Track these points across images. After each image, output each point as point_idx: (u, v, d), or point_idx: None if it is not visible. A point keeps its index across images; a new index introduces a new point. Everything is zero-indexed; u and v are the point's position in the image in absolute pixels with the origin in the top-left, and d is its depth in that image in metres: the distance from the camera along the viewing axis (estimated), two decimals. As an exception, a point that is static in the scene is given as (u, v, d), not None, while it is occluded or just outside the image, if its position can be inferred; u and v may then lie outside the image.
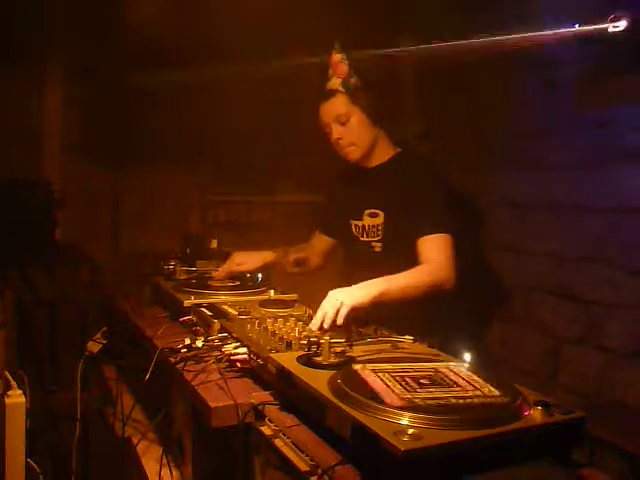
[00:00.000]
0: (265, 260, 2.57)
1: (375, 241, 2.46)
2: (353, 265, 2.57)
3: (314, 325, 1.78)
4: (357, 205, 2.51)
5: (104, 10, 3.45)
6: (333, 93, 2.34)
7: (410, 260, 2.23)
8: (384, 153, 2.47)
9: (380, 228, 2.44)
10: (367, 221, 2.48)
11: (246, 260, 2.53)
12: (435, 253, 2.23)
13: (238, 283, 2.42)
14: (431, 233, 2.25)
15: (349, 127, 2.35)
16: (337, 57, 2.32)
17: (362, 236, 2.50)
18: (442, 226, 2.28)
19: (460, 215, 2.44)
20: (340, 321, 1.79)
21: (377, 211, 2.44)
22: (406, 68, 3.94)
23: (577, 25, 2.61)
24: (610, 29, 2.48)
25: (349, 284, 2.15)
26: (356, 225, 2.53)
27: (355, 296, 1.88)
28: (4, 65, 3.27)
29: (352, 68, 2.32)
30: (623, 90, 2.61)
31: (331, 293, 1.86)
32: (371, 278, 2.08)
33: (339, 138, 2.37)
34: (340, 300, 1.82)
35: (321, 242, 2.77)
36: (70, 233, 3.42)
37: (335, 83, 2.34)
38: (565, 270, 2.90)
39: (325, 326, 1.77)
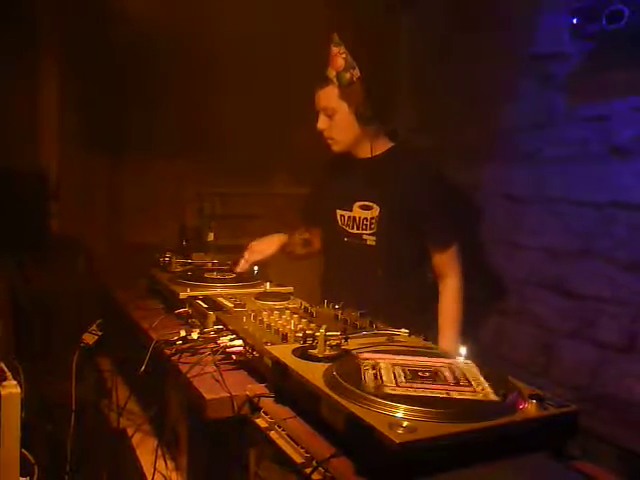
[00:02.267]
0: (280, 242, 2.59)
1: (367, 234, 2.44)
2: (339, 257, 2.55)
3: None
4: (346, 195, 2.50)
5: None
6: (327, 82, 2.35)
7: (404, 255, 2.40)
8: (376, 146, 2.44)
9: (374, 221, 2.41)
10: (358, 213, 2.45)
11: (264, 247, 2.55)
12: (452, 266, 2.43)
13: (234, 275, 2.42)
14: (447, 247, 2.42)
15: (333, 122, 2.38)
16: (334, 50, 2.31)
17: (352, 228, 2.48)
18: (454, 236, 2.44)
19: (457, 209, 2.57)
20: None
21: (371, 204, 2.42)
22: (401, 62, 3.94)
23: (574, 19, 2.61)
24: (607, 24, 2.48)
25: (334, 277, 2.53)
26: (342, 216, 2.51)
27: None
28: (-1, 55, 3.25)
29: (350, 61, 2.30)
30: (618, 85, 2.61)
31: None
32: (361, 272, 2.39)
33: (321, 129, 2.41)
34: None
35: (311, 231, 2.73)
36: (66, 224, 3.41)
37: (330, 73, 2.34)
38: (559, 264, 2.91)
39: None
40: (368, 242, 2.44)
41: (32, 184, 3.08)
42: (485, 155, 3.35)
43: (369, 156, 2.45)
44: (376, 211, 2.41)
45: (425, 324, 2.33)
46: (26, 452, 1.52)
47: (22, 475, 1.47)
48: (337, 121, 2.38)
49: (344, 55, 2.29)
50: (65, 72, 3.52)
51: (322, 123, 2.40)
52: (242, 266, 2.50)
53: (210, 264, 2.63)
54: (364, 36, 3.59)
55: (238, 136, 3.65)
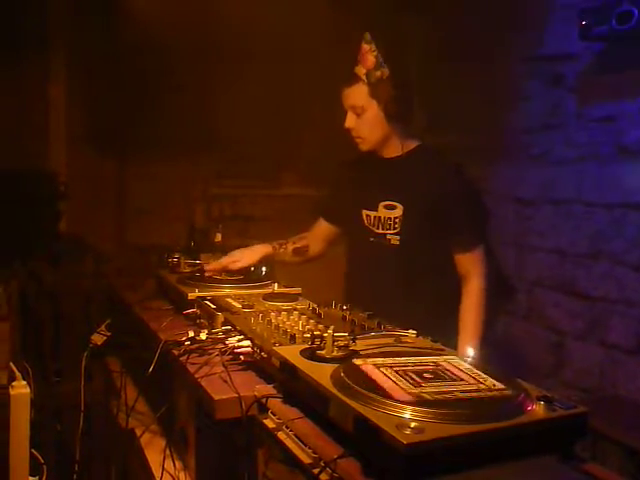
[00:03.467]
0: (261, 254, 2.50)
1: (391, 234, 2.43)
2: (363, 257, 2.54)
3: None
4: (371, 195, 2.48)
5: (107, 1, 3.45)
6: (356, 80, 2.33)
7: (427, 255, 2.37)
8: (402, 145, 2.42)
9: (398, 221, 2.41)
10: (383, 213, 2.45)
11: (241, 257, 2.46)
12: (476, 267, 2.39)
13: (242, 277, 2.42)
14: (472, 248, 2.39)
15: (362, 120, 2.35)
16: (365, 47, 2.29)
17: (377, 228, 2.47)
18: (479, 238, 2.41)
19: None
20: None
21: (395, 203, 2.41)
22: (411, 63, 3.94)
23: (584, 20, 2.60)
24: (616, 24, 2.47)
25: (359, 277, 2.50)
26: (368, 215, 2.49)
27: None
28: (9, 57, 3.27)
29: (380, 60, 2.28)
30: (627, 85, 2.60)
31: None
32: (386, 271, 2.39)
33: (349, 128, 2.38)
34: None
35: (324, 229, 2.70)
36: (75, 225, 3.42)
37: (360, 71, 2.32)
38: (569, 266, 2.90)
39: None
40: (392, 242, 2.43)
41: (41, 185, 3.08)
42: (495, 156, 3.34)
43: (395, 155, 2.44)
44: (400, 211, 2.40)
45: (449, 327, 2.33)
46: (35, 452, 1.53)
47: (31, 474, 1.47)
48: (366, 119, 2.35)
49: (375, 53, 2.27)
50: (73, 74, 3.53)
51: (350, 121, 2.37)
52: (213, 267, 2.41)
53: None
54: (374, 35, 3.59)
55: (246, 137, 3.65)
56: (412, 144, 2.45)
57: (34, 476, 1.50)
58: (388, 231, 2.43)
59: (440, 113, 3.74)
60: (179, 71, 3.49)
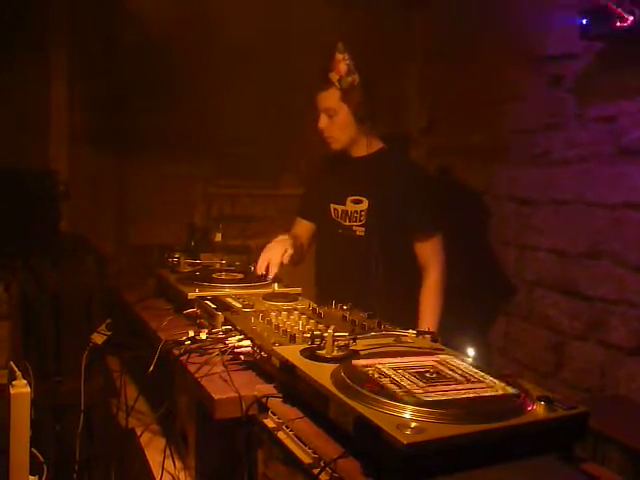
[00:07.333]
0: (291, 243, 2.47)
1: (357, 225, 2.63)
2: (332, 247, 2.71)
3: None
4: (339, 190, 2.69)
5: (108, 1, 3.45)
6: (329, 85, 2.54)
7: (390, 244, 2.55)
8: (369, 146, 2.64)
9: (364, 214, 2.61)
10: (350, 207, 2.65)
11: (280, 247, 2.42)
12: (434, 257, 2.60)
13: (242, 276, 2.42)
14: (428, 237, 2.60)
15: (334, 122, 2.56)
16: (339, 57, 2.49)
17: (344, 220, 2.67)
18: (437, 227, 2.62)
19: (446, 209, 2.75)
20: None
21: (361, 198, 2.62)
22: (411, 62, 3.94)
23: (584, 19, 2.60)
24: (617, 24, 2.47)
25: (327, 268, 2.72)
26: (335, 209, 2.70)
27: None
28: (10, 57, 3.26)
29: (352, 67, 2.49)
30: (628, 85, 2.60)
31: None
32: (353, 260, 2.59)
33: (322, 128, 2.60)
34: None
35: (303, 229, 2.82)
36: (75, 224, 3.42)
37: (333, 77, 2.52)
38: (569, 266, 2.89)
39: None
40: (358, 232, 2.63)
41: (41, 184, 3.08)
42: (495, 156, 3.34)
43: (362, 154, 2.65)
44: (365, 204, 2.61)
45: (408, 310, 2.52)
46: (35, 451, 1.53)
47: (32, 474, 1.47)
48: (337, 121, 2.56)
49: (347, 61, 2.49)
50: (74, 74, 3.53)
51: (323, 123, 2.58)
52: (272, 270, 2.37)
53: (218, 265, 2.64)
54: (375, 35, 3.60)
55: (246, 137, 3.65)
56: (378, 145, 2.68)
57: (34, 475, 1.50)
58: (354, 223, 2.64)
59: (440, 113, 3.74)
60: (180, 72, 3.49)
